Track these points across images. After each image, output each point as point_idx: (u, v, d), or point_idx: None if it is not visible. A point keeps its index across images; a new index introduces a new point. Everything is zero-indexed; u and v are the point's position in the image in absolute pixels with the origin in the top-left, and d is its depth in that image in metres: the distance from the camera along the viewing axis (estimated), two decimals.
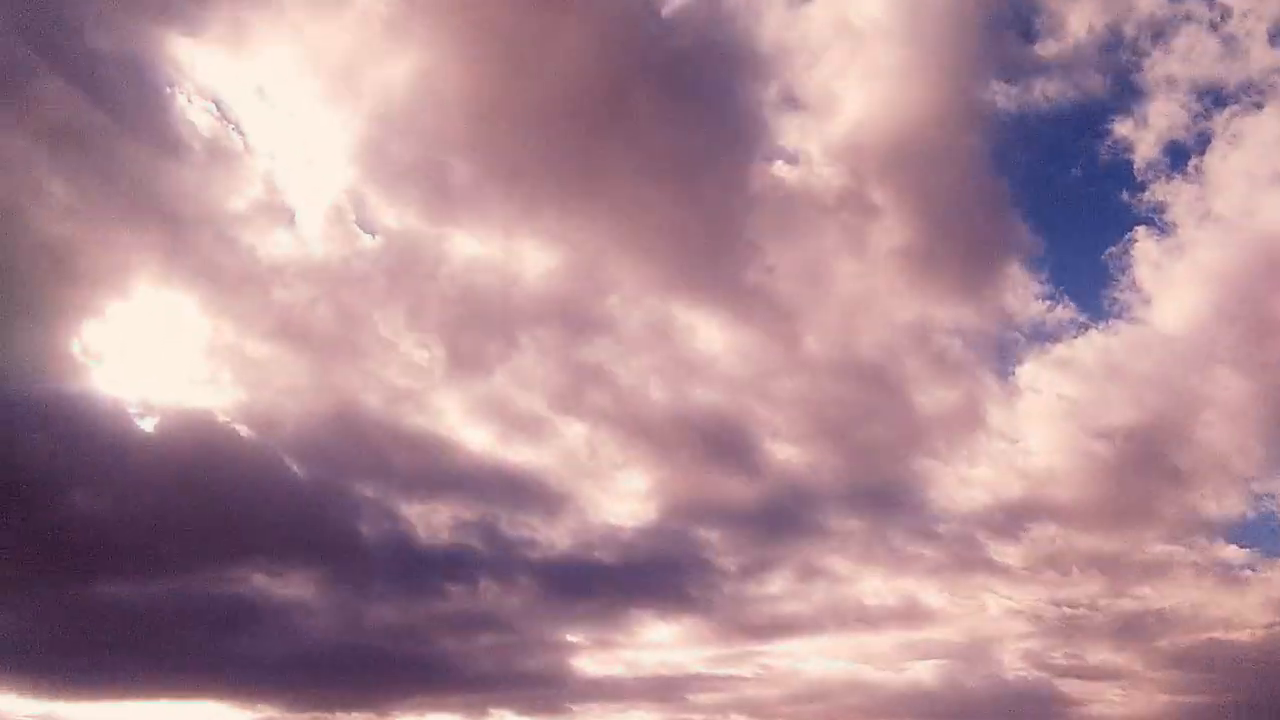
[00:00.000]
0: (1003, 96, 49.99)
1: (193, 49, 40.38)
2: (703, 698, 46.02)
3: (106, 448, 37.73)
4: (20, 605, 37.37)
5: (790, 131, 48.25)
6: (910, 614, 48.95)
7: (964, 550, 49.58)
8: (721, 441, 48.47)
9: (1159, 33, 49.66)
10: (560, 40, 43.10)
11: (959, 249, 50.31)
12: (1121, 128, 50.46)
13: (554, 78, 43.49)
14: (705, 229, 47.84)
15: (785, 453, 49.11)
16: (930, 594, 49.17)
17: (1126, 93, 50.99)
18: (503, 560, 44.68)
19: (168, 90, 39.92)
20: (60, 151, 36.96)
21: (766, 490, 48.47)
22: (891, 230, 48.45)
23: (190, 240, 40.16)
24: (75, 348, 38.00)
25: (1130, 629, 48.56)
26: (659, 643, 46.83)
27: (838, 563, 48.75)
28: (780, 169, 47.83)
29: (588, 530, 46.50)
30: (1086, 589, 49.22)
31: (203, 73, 40.65)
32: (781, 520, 48.66)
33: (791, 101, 48.27)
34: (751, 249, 47.78)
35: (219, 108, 41.10)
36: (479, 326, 45.88)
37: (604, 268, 47.51)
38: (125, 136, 38.34)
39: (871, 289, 49.51)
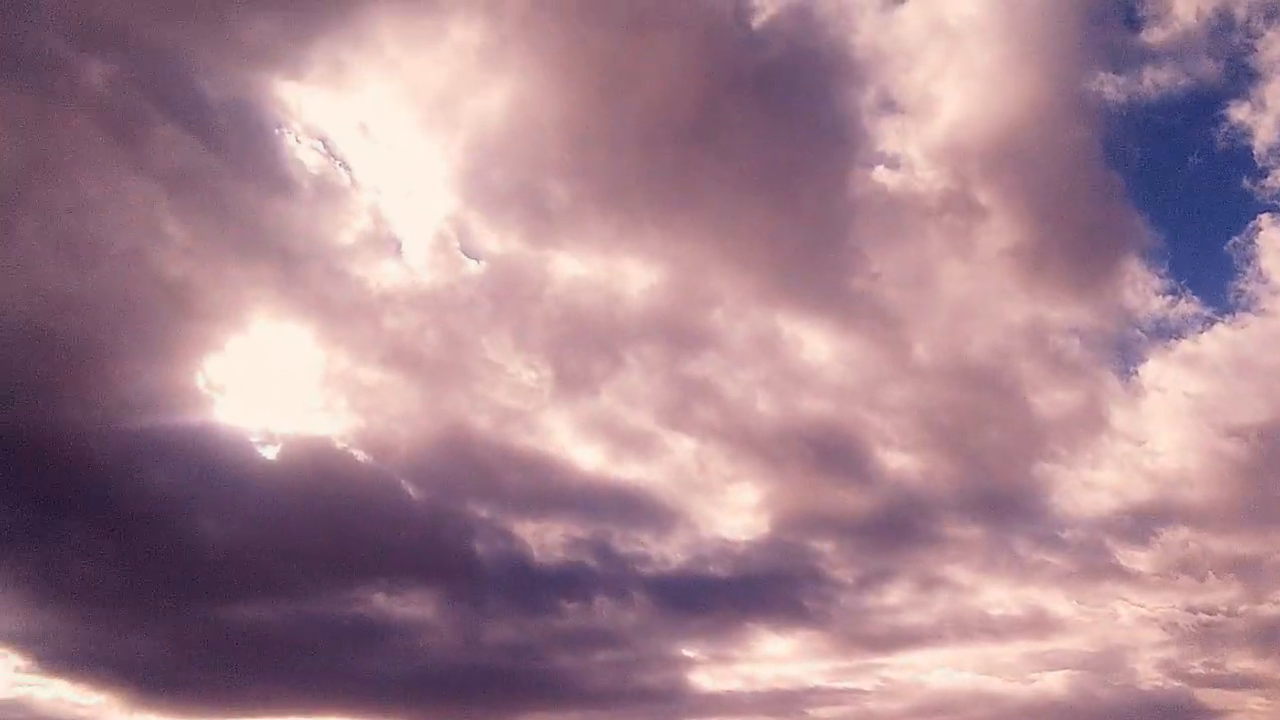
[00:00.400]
0: (1111, 87, 48.48)
1: (298, 90, 41.87)
2: (822, 711, 45.54)
3: (232, 476, 39.30)
4: (158, 628, 39.22)
5: (889, 136, 47.69)
6: (1036, 623, 47.69)
7: (1091, 556, 48.07)
8: (832, 452, 47.85)
9: (1272, 13, 47.66)
10: (652, 58, 43.43)
11: (1072, 246, 48.90)
12: (1238, 113, 48.74)
13: (647, 96, 43.93)
14: (807, 238, 47.52)
15: (898, 461, 48.19)
16: (1057, 602, 47.75)
17: (1241, 76, 49.12)
18: (616, 576, 44.91)
19: (276, 131, 41.49)
20: (178, 195, 38.99)
21: (880, 500, 47.68)
22: (1000, 230, 47.37)
23: (302, 274, 41.48)
24: (199, 381, 39.68)
25: (1272, 635, 46.05)
26: (776, 656, 46.40)
27: (958, 572, 47.73)
28: (881, 174, 47.30)
29: (700, 545, 46.38)
30: (1224, 594, 47.16)
31: (308, 113, 42.13)
32: (897, 530, 47.85)
33: (889, 105, 47.73)
34: (855, 256, 47.31)
35: (325, 145, 42.48)
36: (584, 346, 46.26)
37: (706, 282, 47.48)
38: (238, 178, 40.03)
39: (981, 291, 48.63)
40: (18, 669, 37.56)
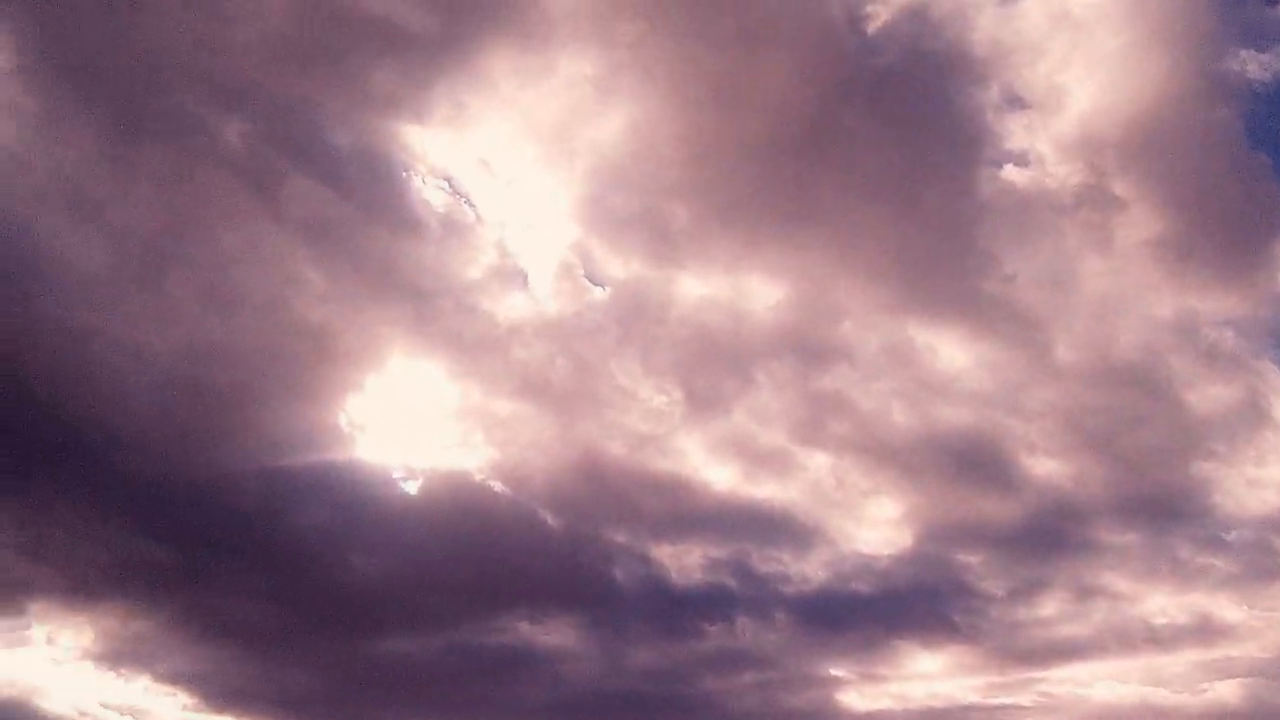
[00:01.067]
0: (1253, 65, 46.13)
1: (421, 134, 42.84)
2: None
3: (376, 512, 40.36)
4: (314, 662, 40.44)
5: (1016, 133, 46.12)
6: (1204, 630, 45.05)
7: (1261, 558, 45.24)
8: (974, 461, 46.43)
9: None
10: (766, 73, 42.92)
11: (1219, 233, 46.20)
12: None
13: (764, 111, 43.47)
14: (935, 243, 46.27)
15: (1045, 467, 46.32)
16: (1225, 607, 44.98)
17: None
18: (757, 597, 44.42)
19: (403, 174, 42.51)
20: (313, 243, 40.55)
21: (1028, 508, 45.97)
22: (1140, 222, 45.21)
23: (434, 311, 42.35)
24: (342, 421, 40.82)
25: None
26: (927, 673, 45.09)
27: (1116, 580, 45.65)
28: (1010, 172, 45.77)
29: (841, 561, 45.55)
30: None
31: (432, 154, 43.07)
32: (1048, 538, 46.08)
33: (1014, 101, 46.15)
34: (987, 259, 45.60)
35: (449, 184, 43.35)
36: (713, 366, 45.92)
37: (833, 294, 46.61)
38: (369, 222, 41.21)
39: (1124, 286, 46.54)
40: (185, 707, 38.91)
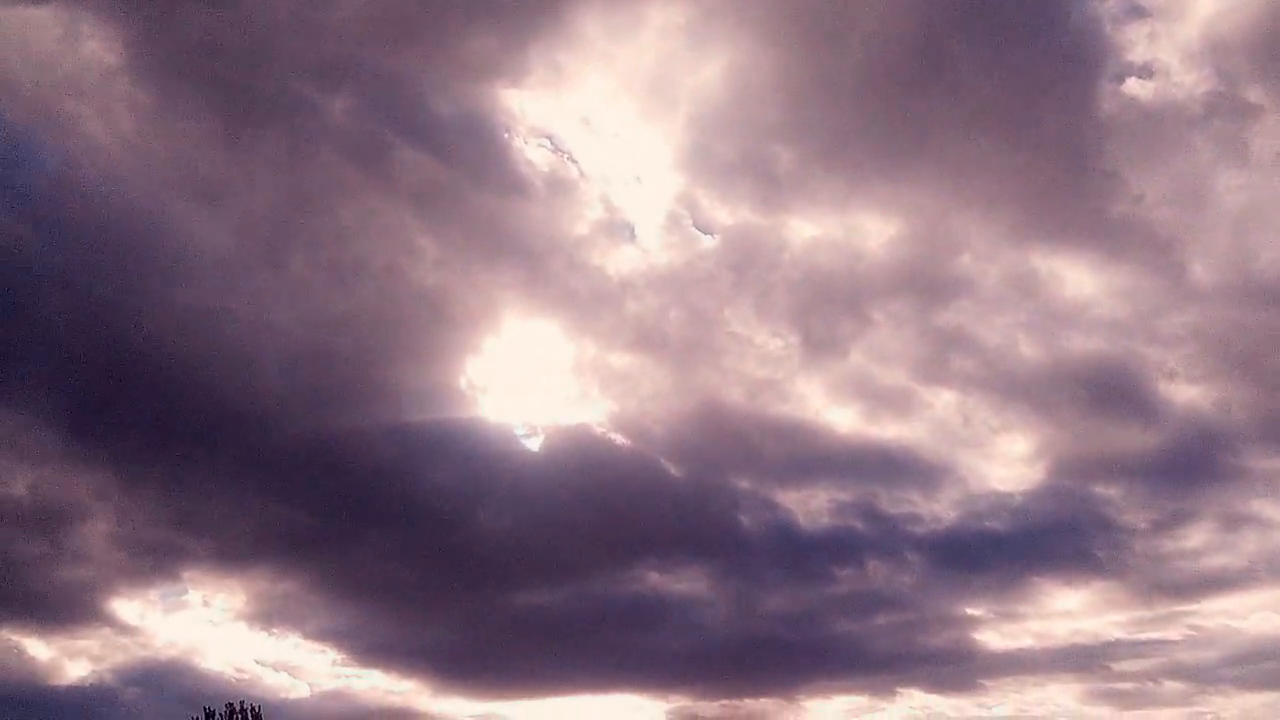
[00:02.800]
0: None
1: (520, 96, 43.11)
2: (1127, 665, 42.59)
3: (501, 469, 41.00)
4: (455, 617, 41.45)
5: (1138, 43, 44.05)
6: None
7: None
8: (1108, 390, 44.89)
9: None
10: (862, 4, 42.01)
11: None
12: None
13: (865, 44, 42.33)
14: (1055, 167, 44.49)
15: (1185, 394, 44.28)
16: None
17: None
18: (888, 538, 43.74)
19: (505, 137, 42.79)
20: (424, 211, 41.28)
21: (1169, 437, 44.09)
22: (1278, 130, 42.69)
23: (545, 270, 42.74)
24: (463, 383, 41.60)
25: None
26: (1069, 610, 43.89)
27: (1267, 507, 43.20)
28: (1133, 86, 43.53)
29: (972, 500, 44.57)
30: None
31: (532, 115, 43.31)
32: (1192, 467, 44.05)
33: (1134, 11, 44.09)
34: (1112, 179, 43.51)
35: (552, 144, 43.47)
36: (829, 307, 45.31)
37: (949, 227, 45.44)
38: (475, 187, 41.80)
39: (1263, 199, 44.04)
40: (335, 662, 40.29)
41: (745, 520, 43.12)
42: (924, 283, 45.73)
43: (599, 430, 42.74)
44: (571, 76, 43.49)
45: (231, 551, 39.03)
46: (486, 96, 42.89)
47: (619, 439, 42.81)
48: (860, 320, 45.53)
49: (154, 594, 39.23)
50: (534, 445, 42.27)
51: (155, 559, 38.50)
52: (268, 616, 39.93)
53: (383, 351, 40.33)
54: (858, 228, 45.29)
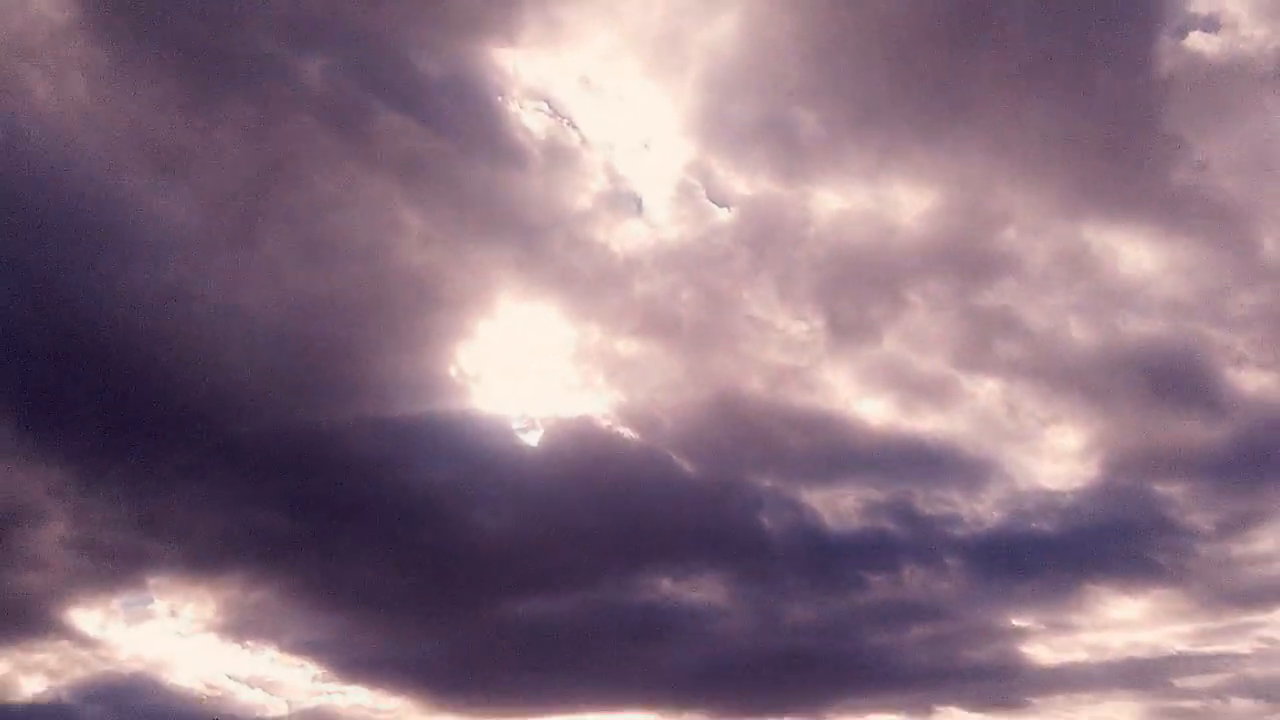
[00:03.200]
0: None
1: (514, 56, 42.01)
2: (1192, 681, 41.74)
3: (496, 465, 40.39)
4: (446, 628, 40.76)
5: None
6: None
7: None
8: (1170, 379, 43.87)
9: None
10: None
11: None
12: None
13: None
14: (1110, 131, 43.14)
15: (1256, 381, 43.12)
16: None
17: None
18: (925, 542, 43.08)
19: (498, 100, 41.71)
20: (409, 183, 40.27)
21: (1236, 429, 42.87)
22: None
23: (543, 247, 41.94)
24: (453, 371, 40.83)
25: None
26: (1126, 621, 42.98)
27: None
28: (1196, 40, 42.30)
29: (1019, 499, 43.79)
30: None
31: (527, 77, 42.31)
32: (1262, 463, 42.73)
33: None
34: (1173, 144, 42.30)
35: (550, 107, 42.56)
36: (859, 287, 44.49)
37: (993, 198, 44.27)
38: (466, 155, 40.75)
39: None
40: (315, 678, 39.72)
41: (767, 522, 42.66)
42: (964, 260, 44.76)
43: (604, 423, 42.18)
44: (571, 33, 42.48)
45: (200, 556, 38.71)
46: (477, 56, 41.86)
47: (626, 432, 42.19)
48: (894, 301, 44.67)
49: (116, 603, 38.77)
50: (532, 439, 41.72)
51: (117, 564, 38.09)
52: (241, 628, 39.53)
53: (365, 337, 39.81)
54: (890, 199, 44.32)
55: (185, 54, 38.13)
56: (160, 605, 39.15)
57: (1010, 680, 42.05)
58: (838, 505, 43.08)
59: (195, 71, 38.28)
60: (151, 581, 38.67)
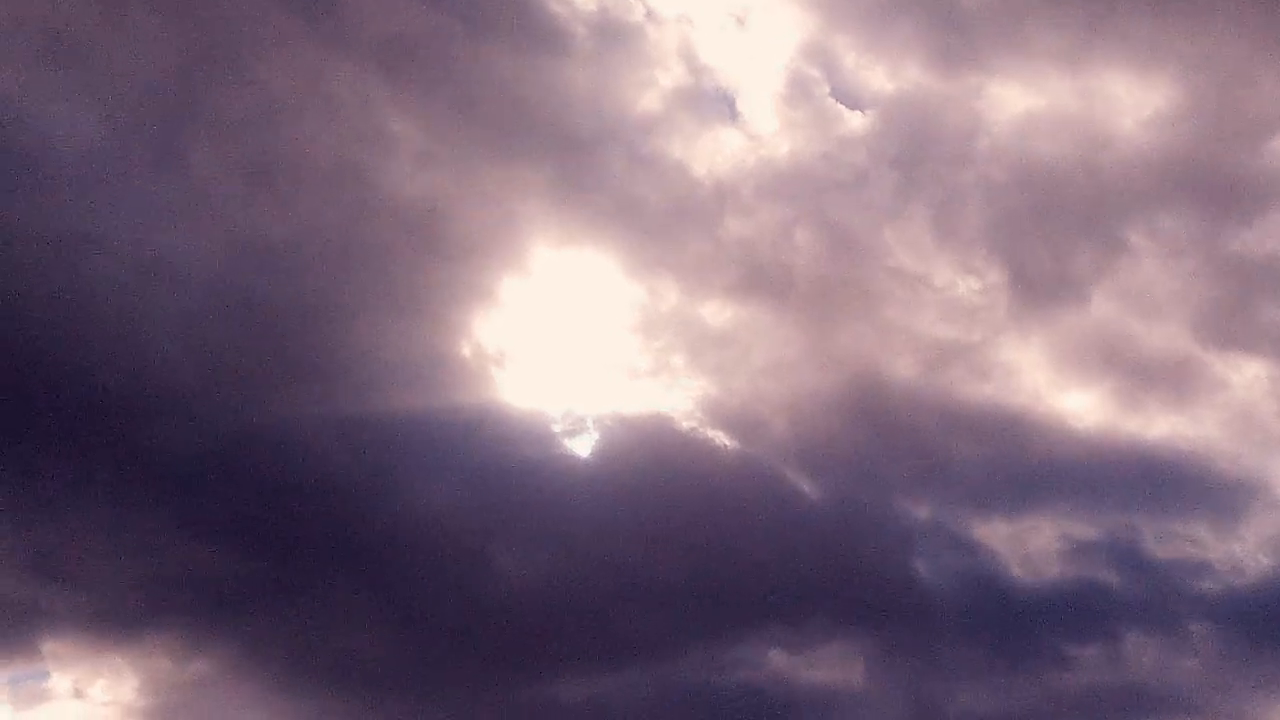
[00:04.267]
0: None
1: None
2: None
3: (531, 485, 37.09)
4: (458, 710, 37.06)
5: None
6: None
7: None
8: None
9: None
10: None
11: None
12: None
13: None
14: None
15: None
16: None
17: None
18: (1156, 599, 39.92)
19: None
20: (399, 78, 37.51)
21: None
22: None
23: (595, 171, 39.13)
24: (467, 350, 37.86)
25: None
26: None
27: None
28: None
29: None
30: None
31: None
32: None
33: None
34: None
35: None
36: (1056, 226, 41.63)
37: (1255, 94, 40.92)
38: (480, 39, 37.96)
39: None
40: None
41: (923, 568, 39.90)
42: (1214, 184, 42.02)
43: (685, 425, 39.03)
44: None
45: (116, 613, 35.05)
46: None
47: (719, 438, 39.08)
48: (1108, 246, 41.88)
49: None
50: (582, 448, 38.53)
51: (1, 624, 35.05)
52: (171, 712, 35.74)
53: (341, 302, 36.20)
54: (1102, 95, 41.60)
55: None
56: (60, 681, 35.84)
57: None
58: (1027, 545, 40.49)
59: None
60: (46, 648, 35.16)
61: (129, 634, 35.47)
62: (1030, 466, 40.89)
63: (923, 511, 40.40)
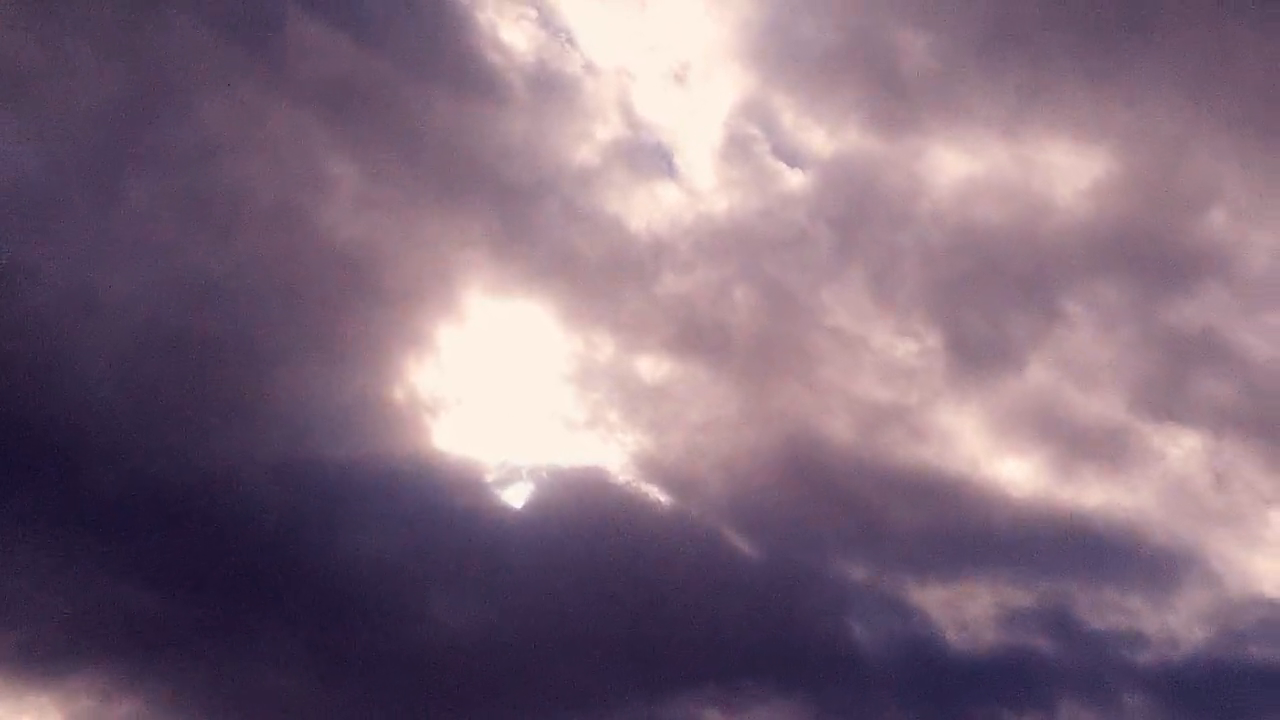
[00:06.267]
0: None
1: None
2: None
3: (464, 534, 41.90)
4: None
5: None
6: None
7: None
8: None
9: None
10: None
11: None
12: None
13: None
14: None
15: None
16: None
17: None
18: (1091, 668, 44.19)
19: (462, 1, 44.45)
20: (339, 122, 42.81)
21: None
22: None
23: (532, 221, 44.19)
24: (401, 396, 42.86)
25: None
26: None
27: None
28: None
29: (1230, 610, 45.38)
30: None
31: None
32: None
33: None
34: None
35: (540, 14, 45.15)
36: (994, 292, 46.84)
37: (1192, 164, 46.56)
38: (418, 82, 43.25)
39: None
40: None
41: (858, 630, 44.33)
42: (1149, 255, 47.44)
43: (620, 478, 44.56)
44: None
45: (41, 651, 39.30)
46: None
47: (654, 492, 44.55)
48: (1045, 314, 47.33)
49: None
50: (516, 498, 43.85)
51: None
52: None
53: (276, 344, 41.83)
54: (1039, 163, 46.98)
55: None
56: None
57: None
58: (963, 610, 44.79)
59: None
60: None
61: (55, 673, 39.19)
62: (967, 531, 45.28)
63: (859, 573, 44.46)
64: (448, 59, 43.70)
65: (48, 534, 39.31)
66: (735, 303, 44.95)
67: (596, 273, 44.35)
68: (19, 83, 40.31)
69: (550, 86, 44.66)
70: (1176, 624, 44.57)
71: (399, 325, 42.81)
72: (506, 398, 44.60)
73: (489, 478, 43.13)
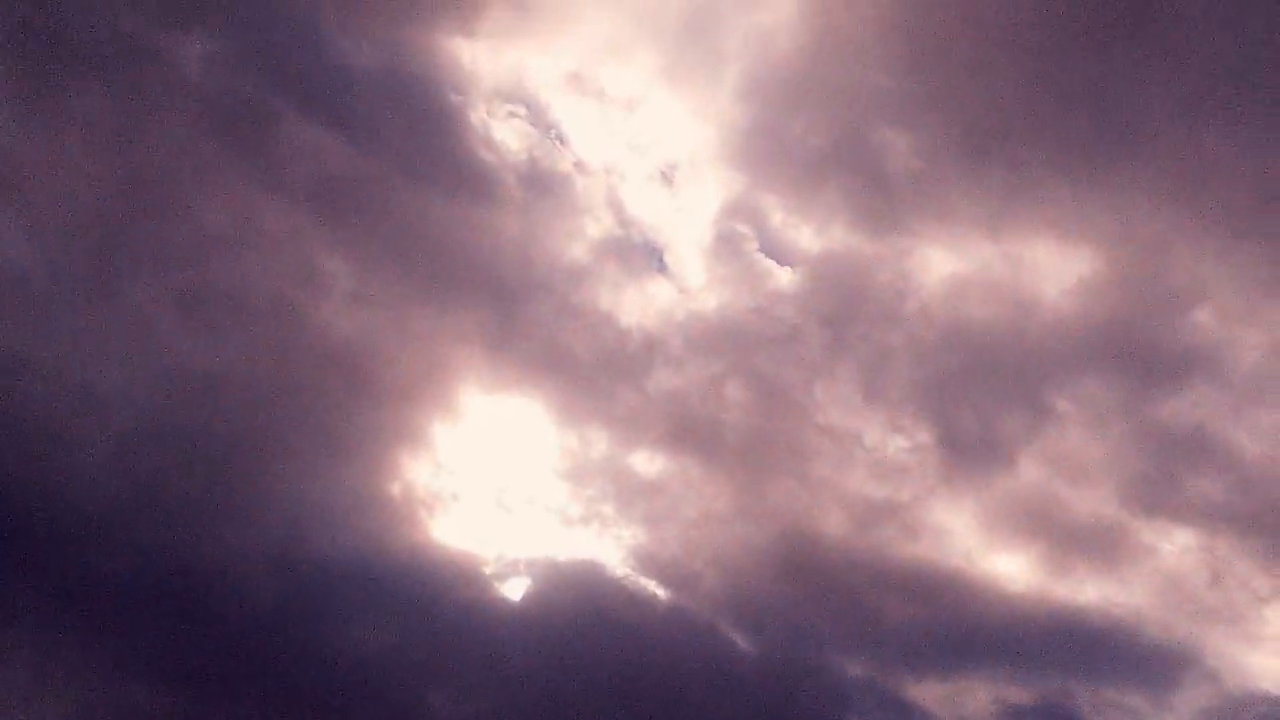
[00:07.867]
0: None
1: (473, 47, 50.97)
2: None
3: (460, 628, 47.10)
4: None
5: None
6: None
7: None
8: None
9: None
10: None
11: None
12: None
13: None
14: None
15: None
16: None
17: None
18: None
19: (455, 104, 50.31)
20: (333, 219, 48.34)
21: None
22: None
23: (525, 318, 50.00)
24: (397, 490, 48.04)
25: None
26: None
27: None
28: None
29: (1228, 706, 50.89)
30: None
31: (494, 74, 51.08)
32: None
33: None
34: None
35: (531, 115, 51.12)
36: (983, 389, 52.69)
37: (1178, 263, 52.45)
38: (411, 184, 49.16)
39: None
40: None
41: None
42: (1136, 354, 53.49)
43: (617, 573, 49.78)
44: (556, 14, 51.31)
45: None
46: (420, 46, 50.69)
47: (650, 588, 49.66)
48: (1035, 409, 53.23)
49: None
50: (513, 592, 48.90)
51: None
52: None
53: (271, 438, 47.02)
54: (1026, 261, 53.22)
55: (24, 40, 46.01)
56: None
57: None
58: (961, 706, 50.10)
59: (38, 61, 46.11)
60: None
61: None
62: (963, 627, 50.43)
63: (856, 669, 49.22)
64: (440, 157, 49.24)
65: (38, 627, 43.59)
66: (727, 398, 50.42)
67: (590, 369, 49.91)
68: (17, 178, 45.32)
69: (542, 185, 50.18)
70: None
71: (395, 421, 48.08)
72: (502, 493, 49.96)
73: (486, 570, 48.25)
